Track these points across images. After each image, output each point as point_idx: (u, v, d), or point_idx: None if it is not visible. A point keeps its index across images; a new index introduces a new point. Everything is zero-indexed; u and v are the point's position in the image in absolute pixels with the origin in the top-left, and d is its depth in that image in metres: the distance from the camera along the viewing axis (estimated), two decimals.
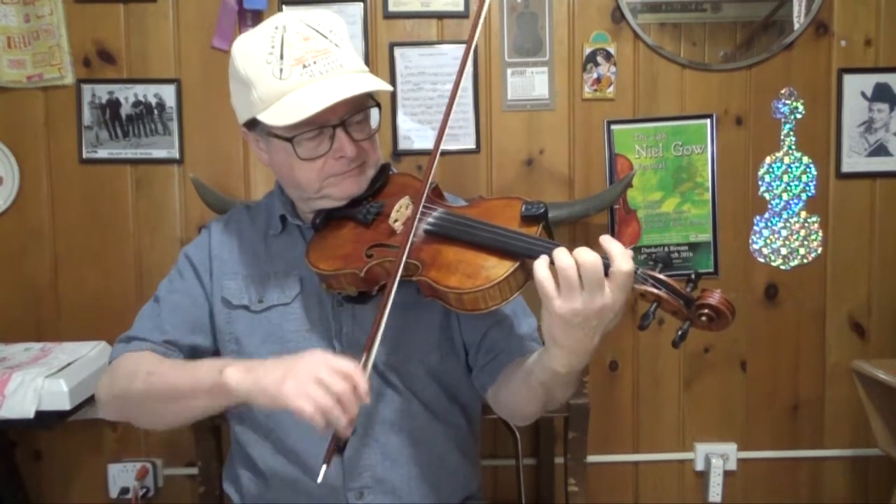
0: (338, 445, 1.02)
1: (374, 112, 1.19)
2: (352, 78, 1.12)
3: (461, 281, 1.00)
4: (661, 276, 0.92)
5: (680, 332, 0.92)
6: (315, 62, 1.10)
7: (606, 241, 0.90)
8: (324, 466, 1.00)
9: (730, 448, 2.16)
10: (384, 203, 1.18)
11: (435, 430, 1.22)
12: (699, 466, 2.17)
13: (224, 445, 1.85)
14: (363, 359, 1.02)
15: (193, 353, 1.24)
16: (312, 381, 0.95)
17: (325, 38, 1.13)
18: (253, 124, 1.16)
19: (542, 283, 0.90)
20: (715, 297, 0.91)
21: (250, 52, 1.12)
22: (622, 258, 0.88)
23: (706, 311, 0.91)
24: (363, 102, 1.16)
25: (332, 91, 1.08)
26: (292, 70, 1.10)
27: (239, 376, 1.01)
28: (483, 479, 1.38)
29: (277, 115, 1.09)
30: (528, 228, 1.02)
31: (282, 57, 1.10)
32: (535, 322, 1.24)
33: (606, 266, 0.89)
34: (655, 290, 0.92)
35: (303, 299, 1.21)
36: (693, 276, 0.95)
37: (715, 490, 2.15)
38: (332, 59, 1.12)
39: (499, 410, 1.21)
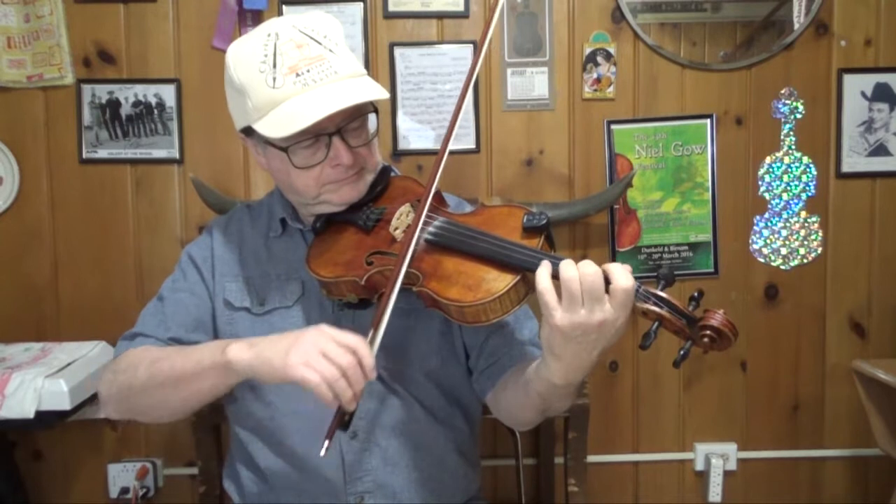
0: (342, 420, 1.00)
1: (373, 115, 1.18)
2: (347, 85, 1.10)
3: (462, 293, 0.99)
4: (664, 295, 0.92)
5: (682, 352, 0.91)
6: (309, 70, 1.08)
7: (607, 264, 0.91)
8: (326, 442, 0.98)
9: (730, 448, 2.16)
10: (385, 208, 1.17)
11: (436, 433, 1.22)
12: (699, 466, 2.17)
13: (224, 445, 1.85)
14: (370, 335, 1.01)
15: None
16: (318, 352, 0.95)
17: (319, 44, 1.11)
18: (249, 131, 1.15)
19: (543, 295, 0.90)
20: (717, 319, 0.90)
21: (243, 60, 1.11)
22: (622, 275, 0.89)
23: (708, 332, 0.90)
24: (360, 108, 1.14)
25: (326, 101, 1.06)
26: (286, 79, 1.08)
27: (242, 352, 1.00)
28: (483, 479, 1.38)
29: (271, 126, 1.08)
30: (530, 240, 1.01)
31: (275, 65, 1.08)
32: (536, 325, 1.24)
33: (607, 282, 0.89)
34: (657, 309, 0.91)
35: (304, 303, 1.21)
36: (696, 295, 0.94)
37: (715, 490, 2.15)
38: (327, 66, 1.10)
39: (498, 415, 1.21)
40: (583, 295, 0.88)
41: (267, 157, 1.18)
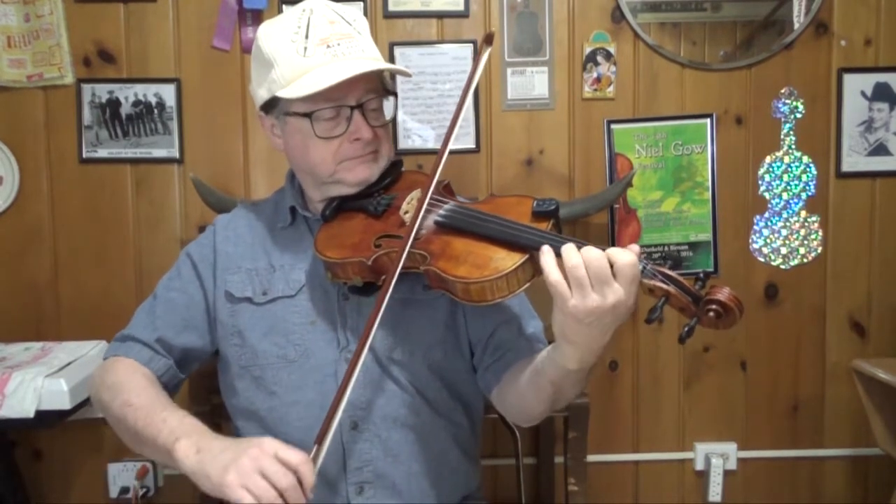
0: None
1: (387, 107, 1.22)
2: (372, 62, 1.16)
3: (469, 271, 1.00)
4: (670, 272, 0.93)
5: (686, 328, 0.91)
6: (339, 44, 1.14)
7: (607, 249, 0.90)
8: None
9: (730, 448, 2.16)
10: (395, 196, 1.19)
11: (437, 426, 1.22)
12: (699, 466, 2.17)
13: None
14: (314, 451, 1.00)
15: (185, 354, 1.25)
16: (256, 472, 0.93)
17: (350, 24, 1.18)
18: (270, 106, 1.19)
19: (556, 286, 0.90)
20: (724, 293, 0.90)
21: (276, 31, 1.16)
22: (621, 252, 0.89)
23: (714, 306, 0.90)
24: (380, 90, 1.19)
25: (355, 67, 1.11)
26: (316, 49, 1.13)
27: (188, 453, 1.00)
28: (483, 478, 1.38)
29: (298, 89, 1.11)
30: (539, 224, 1.03)
31: (307, 37, 1.14)
32: (541, 324, 1.24)
33: (611, 265, 0.89)
34: (664, 286, 0.92)
35: (308, 292, 1.21)
36: (702, 275, 0.95)
37: (715, 490, 2.15)
38: (355, 43, 1.16)
39: (504, 411, 1.21)
40: (591, 280, 0.88)
41: (285, 135, 1.21)
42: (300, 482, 0.94)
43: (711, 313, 0.91)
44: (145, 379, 1.17)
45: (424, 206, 1.08)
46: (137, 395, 1.13)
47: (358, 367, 1.03)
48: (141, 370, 1.20)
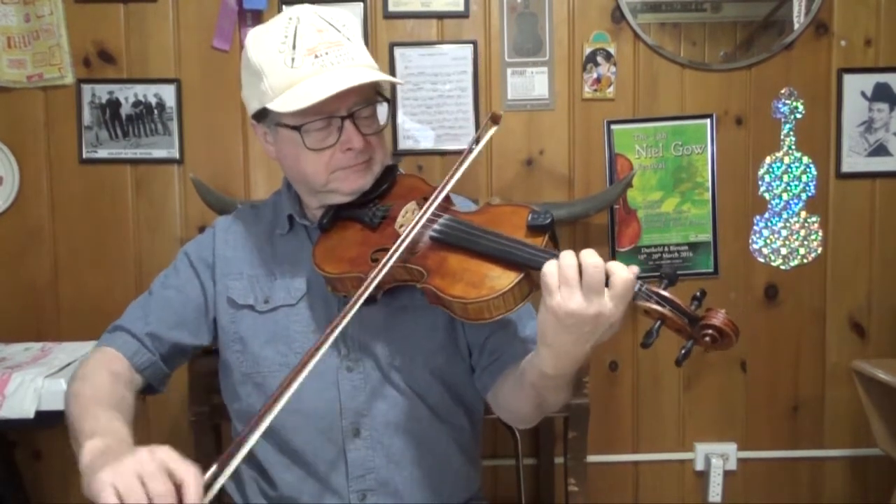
0: None
1: (381, 112, 1.20)
2: (362, 70, 1.14)
3: (465, 290, 0.99)
4: (666, 294, 0.92)
5: (683, 351, 0.91)
6: (327, 53, 1.11)
7: (610, 263, 0.90)
8: None
9: (730, 448, 2.16)
10: (391, 206, 1.18)
11: (438, 431, 1.22)
12: (699, 466, 2.17)
13: (224, 445, 1.85)
14: (212, 471, 0.91)
15: (174, 350, 1.24)
16: (132, 474, 0.84)
17: (338, 31, 1.15)
18: (262, 116, 1.17)
19: (545, 277, 0.90)
20: (719, 318, 0.90)
21: (263, 41, 1.14)
22: (620, 267, 0.89)
23: (710, 331, 0.90)
24: (372, 97, 1.17)
25: (343, 80, 1.09)
26: (304, 59, 1.10)
27: (91, 450, 0.94)
28: (483, 479, 1.38)
29: (286, 103, 1.09)
30: (535, 238, 1.02)
31: (294, 47, 1.11)
32: None
33: (607, 276, 0.89)
34: (660, 308, 0.91)
35: (309, 300, 1.21)
36: (699, 294, 0.94)
37: (715, 490, 2.15)
38: (344, 51, 1.13)
39: (499, 412, 1.21)
40: (581, 282, 0.88)
41: (277, 143, 1.19)
42: (181, 497, 0.84)
43: (707, 338, 0.91)
44: (111, 376, 1.14)
45: (409, 238, 1.06)
46: (91, 388, 1.11)
47: (303, 374, 1.00)
48: (115, 365, 1.17)
